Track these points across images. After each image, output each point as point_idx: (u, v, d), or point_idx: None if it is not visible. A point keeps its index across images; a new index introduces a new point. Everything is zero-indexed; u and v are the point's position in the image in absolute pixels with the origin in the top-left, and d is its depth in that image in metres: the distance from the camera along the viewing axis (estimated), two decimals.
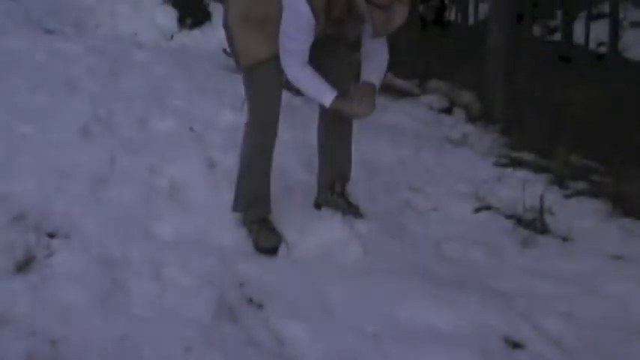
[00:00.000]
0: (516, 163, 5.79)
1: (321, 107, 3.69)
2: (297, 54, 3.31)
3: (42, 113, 4.75)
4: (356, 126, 3.91)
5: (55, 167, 3.99)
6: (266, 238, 3.55)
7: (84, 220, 3.48)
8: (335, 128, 3.79)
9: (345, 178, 3.91)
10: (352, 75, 3.73)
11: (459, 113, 7.69)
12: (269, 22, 3.31)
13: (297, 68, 3.33)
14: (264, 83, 3.48)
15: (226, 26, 3.49)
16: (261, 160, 3.60)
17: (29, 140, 4.33)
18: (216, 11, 8.83)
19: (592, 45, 13.03)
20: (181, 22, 8.63)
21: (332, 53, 3.55)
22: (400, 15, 3.10)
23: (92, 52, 6.46)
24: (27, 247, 3.12)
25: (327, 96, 3.34)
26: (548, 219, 4.27)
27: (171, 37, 8.39)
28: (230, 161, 4.24)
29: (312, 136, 4.61)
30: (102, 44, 6.96)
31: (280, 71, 3.44)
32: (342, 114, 3.44)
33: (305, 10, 3.18)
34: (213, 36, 8.37)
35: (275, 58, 3.37)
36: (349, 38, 3.53)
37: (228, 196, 3.77)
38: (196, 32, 8.53)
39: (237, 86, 5.96)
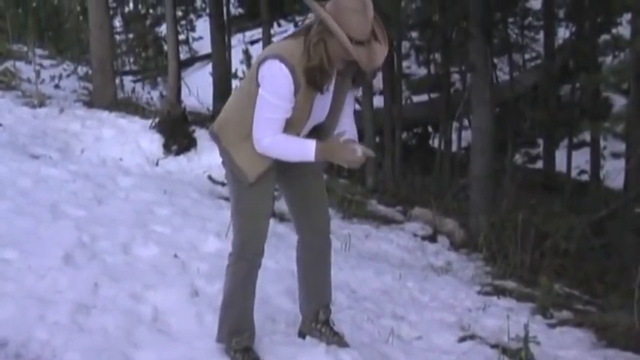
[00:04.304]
0: (500, 292, 5.88)
1: (302, 236, 3.79)
2: (274, 123, 3.30)
3: (25, 239, 4.80)
4: (340, 254, 3.99)
5: (37, 294, 4.01)
6: None
7: (65, 348, 3.49)
8: (315, 261, 3.86)
9: (327, 305, 3.97)
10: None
11: (442, 241, 7.83)
12: None
13: (271, 138, 3.32)
14: (260, 200, 3.53)
15: (225, 152, 3.55)
16: (245, 290, 3.65)
17: (11, 266, 4.36)
18: (201, 138, 9.05)
19: (573, 173, 13.34)
20: (167, 148, 8.81)
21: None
22: (380, 52, 3.21)
23: (77, 178, 6.56)
24: None
25: (309, 149, 3.28)
26: (533, 349, 4.31)
27: (157, 162, 8.54)
28: (214, 289, 4.30)
29: (294, 263, 4.69)
30: (87, 169, 7.08)
31: (273, 186, 3.56)
32: (330, 162, 3.36)
33: (286, 72, 3.21)
34: (198, 162, 8.56)
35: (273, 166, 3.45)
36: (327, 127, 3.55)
37: (211, 324, 3.81)
38: (182, 158, 8.69)
39: (222, 213, 6.12)
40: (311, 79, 3.25)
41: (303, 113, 3.36)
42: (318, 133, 3.54)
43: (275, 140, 3.32)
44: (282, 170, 3.59)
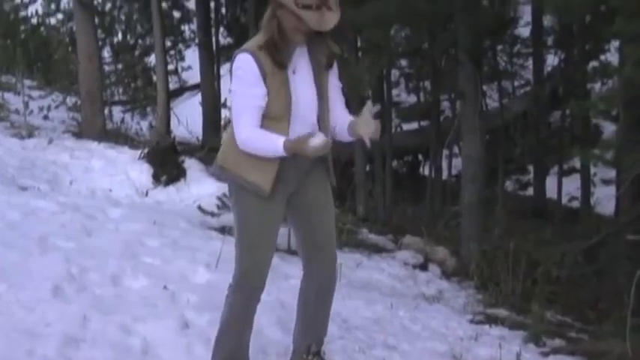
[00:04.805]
0: (492, 320, 5.89)
1: (308, 270, 3.77)
2: (248, 113, 3.35)
3: (13, 271, 4.78)
4: None
5: (26, 327, 4.00)
6: None
7: None
8: (317, 295, 3.81)
9: (322, 340, 3.95)
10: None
11: (433, 269, 7.84)
12: None
13: (248, 130, 3.35)
14: (264, 229, 3.51)
15: (234, 176, 3.52)
16: (241, 324, 3.63)
17: (0, 299, 4.36)
18: (191, 168, 9.09)
19: (564, 200, 13.39)
20: (156, 178, 8.83)
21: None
22: (331, 17, 3.26)
23: (66, 209, 6.56)
24: None
25: (279, 142, 3.30)
26: None
27: (146, 193, 8.56)
28: (204, 321, 4.30)
29: (286, 294, 4.72)
30: (76, 201, 7.09)
31: (280, 214, 3.57)
32: (301, 153, 3.32)
33: (248, 58, 3.31)
34: (188, 192, 8.58)
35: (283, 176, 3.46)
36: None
37: (202, 356, 3.81)
38: (171, 189, 8.72)
39: (212, 243, 6.13)
40: (271, 55, 3.33)
41: (281, 101, 3.38)
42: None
43: (252, 134, 3.36)
44: (295, 201, 3.61)
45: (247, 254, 3.54)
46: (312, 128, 3.49)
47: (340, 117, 3.61)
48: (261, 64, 3.31)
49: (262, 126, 3.39)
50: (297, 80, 3.43)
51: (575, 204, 13.20)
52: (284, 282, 5.43)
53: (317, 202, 3.67)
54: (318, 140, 3.22)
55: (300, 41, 3.38)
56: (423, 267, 7.91)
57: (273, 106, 3.37)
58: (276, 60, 3.34)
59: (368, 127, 3.39)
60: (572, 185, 13.67)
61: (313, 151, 3.26)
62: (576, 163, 13.89)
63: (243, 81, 3.36)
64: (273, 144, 3.32)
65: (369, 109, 3.42)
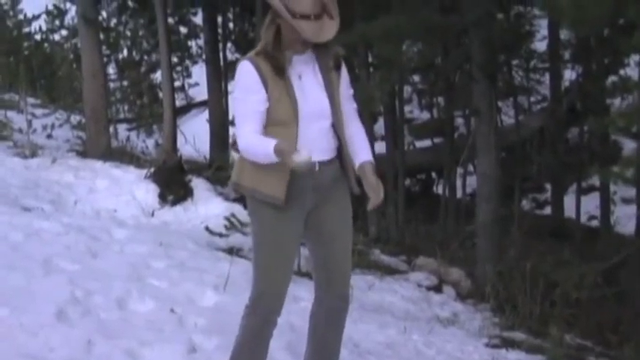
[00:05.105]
0: (509, 344, 5.87)
1: (319, 294, 3.76)
2: (248, 119, 3.38)
3: (16, 295, 4.80)
4: None
5: (29, 353, 4.00)
6: None
7: None
8: (327, 321, 3.77)
9: None
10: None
11: (448, 291, 7.82)
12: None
13: (249, 137, 3.38)
14: (283, 247, 3.51)
15: (251, 190, 3.52)
16: (254, 348, 3.60)
17: (2, 323, 4.35)
18: (198, 187, 9.11)
19: (583, 219, 13.35)
20: (162, 198, 8.85)
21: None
22: (330, 27, 3.31)
23: (70, 230, 6.59)
24: None
25: (270, 146, 3.27)
26: None
27: (152, 213, 8.58)
28: (212, 345, 4.30)
29: (295, 317, 4.72)
30: (80, 222, 7.11)
31: (300, 232, 3.57)
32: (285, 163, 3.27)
33: (247, 64, 3.38)
34: (195, 212, 8.59)
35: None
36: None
37: None
38: (178, 209, 8.72)
39: (219, 265, 6.14)
40: (268, 60, 3.38)
41: (285, 105, 3.40)
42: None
43: (251, 140, 3.39)
44: (313, 221, 3.59)
45: (264, 274, 3.52)
46: (327, 135, 3.51)
47: (352, 128, 3.61)
48: (260, 70, 3.36)
49: (270, 132, 3.40)
50: (304, 85, 3.45)
51: (595, 223, 13.15)
52: (294, 304, 5.42)
53: (334, 225, 3.65)
54: (301, 157, 3.18)
55: (299, 51, 3.41)
56: (437, 289, 7.89)
57: (277, 111, 3.40)
58: (274, 65, 3.39)
59: (375, 193, 3.41)
60: (591, 204, 13.62)
61: (295, 165, 3.23)
62: (595, 181, 13.86)
63: (244, 87, 3.41)
64: (265, 148, 3.30)
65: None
